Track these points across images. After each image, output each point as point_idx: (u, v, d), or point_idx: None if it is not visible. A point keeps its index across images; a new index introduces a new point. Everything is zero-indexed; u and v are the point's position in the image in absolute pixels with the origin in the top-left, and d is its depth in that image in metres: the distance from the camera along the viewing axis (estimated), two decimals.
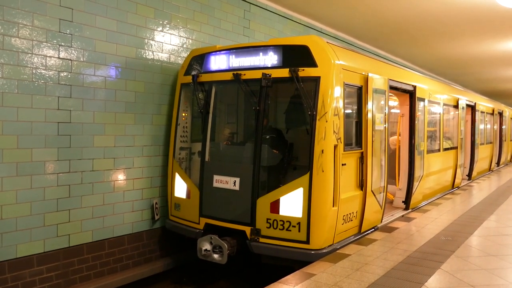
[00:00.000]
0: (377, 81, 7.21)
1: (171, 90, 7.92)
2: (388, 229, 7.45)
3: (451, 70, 20.96)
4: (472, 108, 14.48)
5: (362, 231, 6.92)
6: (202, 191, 6.94)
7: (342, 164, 6.19)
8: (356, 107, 6.90)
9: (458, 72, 21.52)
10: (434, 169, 10.49)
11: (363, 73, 6.91)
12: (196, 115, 7.65)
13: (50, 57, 6.08)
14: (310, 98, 6.08)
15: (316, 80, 6.06)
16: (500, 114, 20.02)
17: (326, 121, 5.97)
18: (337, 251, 6.11)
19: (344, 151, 6.25)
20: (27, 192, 5.88)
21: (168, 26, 7.85)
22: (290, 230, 6.06)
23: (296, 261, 5.94)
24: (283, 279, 5.05)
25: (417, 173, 9.06)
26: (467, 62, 18.37)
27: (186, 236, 7.22)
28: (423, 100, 9.56)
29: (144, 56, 7.43)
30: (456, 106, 12.67)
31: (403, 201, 9.03)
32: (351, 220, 6.61)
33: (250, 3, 9.80)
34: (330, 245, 6.13)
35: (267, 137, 6.85)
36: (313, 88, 6.09)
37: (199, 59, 7.38)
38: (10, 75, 5.65)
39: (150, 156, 7.58)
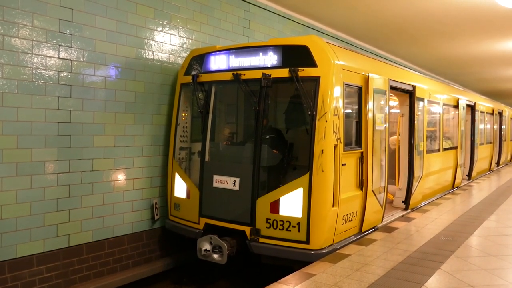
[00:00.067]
0: (378, 81, 7.21)
1: (171, 90, 7.92)
2: (388, 229, 7.45)
3: (451, 70, 20.96)
4: (471, 108, 14.48)
5: (362, 231, 6.93)
6: (202, 191, 6.94)
7: (342, 164, 6.20)
8: (356, 107, 6.90)
9: (458, 72, 21.53)
10: (434, 169, 10.49)
11: (363, 73, 6.92)
12: (196, 115, 7.64)
13: (50, 57, 6.08)
14: (310, 98, 6.08)
15: (316, 80, 6.06)
16: (500, 114, 20.02)
17: (326, 121, 5.97)
18: (337, 251, 6.11)
19: (344, 151, 6.25)
20: (27, 192, 5.88)
21: (168, 26, 7.85)
22: (290, 230, 6.06)
23: (296, 261, 5.94)
24: (283, 279, 5.05)
25: (417, 173, 9.07)
26: (467, 62, 18.37)
27: (186, 236, 7.22)
28: (422, 100, 9.56)
29: (144, 56, 7.43)
30: (456, 106, 12.68)
31: (403, 201, 9.03)
32: (351, 220, 6.61)
33: (250, 3, 9.80)
34: (330, 245, 6.13)
35: (267, 137, 6.85)
36: (313, 88, 6.09)
37: (199, 59, 7.38)
38: (10, 75, 5.65)
39: (150, 156, 7.59)
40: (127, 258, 7.19)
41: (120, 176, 7.10)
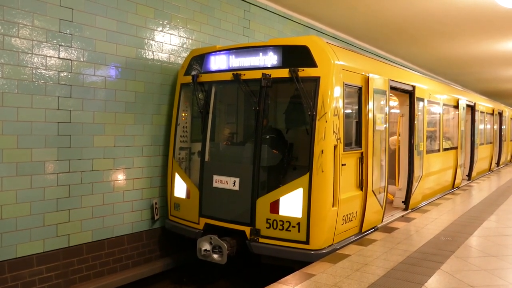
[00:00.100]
0: (378, 81, 7.21)
1: (171, 90, 7.92)
2: (388, 229, 7.45)
3: (451, 70, 20.97)
4: (471, 108, 14.48)
5: (363, 231, 6.93)
6: (202, 191, 6.94)
7: (342, 164, 6.20)
8: (356, 107, 6.90)
9: (458, 72, 21.53)
10: (434, 169, 10.49)
11: (363, 73, 6.92)
12: (196, 115, 7.64)
13: (50, 57, 6.08)
14: (310, 98, 6.08)
15: (316, 80, 6.06)
16: (500, 114, 20.02)
17: (326, 121, 5.97)
18: (337, 251, 6.11)
19: (344, 151, 6.25)
20: (27, 192, 5.88)
21: (168, 26, 7.85)
22: (289, 230, 6.06)
23: (296, 261, 5.94)
24: (282, 279, 5.05)
25: (417, 173, 9.07)
26: (467, 62, 18.37)
27: (185, 236, 7.22)
28: (422, 100, 9.56)
29: (144, 56, 7.43)
30: (456, 106, 12.68)
31: (402, 201, 9.03)
32: (351, 220, 6.61)
33: (250, 3, 9.80)
34: (330, 245, 6.13)
35: (267, 137, 6.85)
36: (313, 88, 6.09)
37: (199, 59, 7.38)
38: (10, 75, 5.65)
39: (150, 156, 7.58)
40: (127, 258, 7.19)
41: (120, 176, 7.10)
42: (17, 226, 5.79)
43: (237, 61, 6.85)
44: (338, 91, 6.16)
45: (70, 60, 6.33)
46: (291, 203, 6.07)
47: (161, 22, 7.71)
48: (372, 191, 7.01)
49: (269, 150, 6.68)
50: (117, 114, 7.00)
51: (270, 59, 6.48)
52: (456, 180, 12.46)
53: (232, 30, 9.34)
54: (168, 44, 7.88)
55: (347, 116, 6.55)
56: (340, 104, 6.20)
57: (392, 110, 9.44)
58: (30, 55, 5.85)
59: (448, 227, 7.63)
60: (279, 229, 6.13)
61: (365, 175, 6.81)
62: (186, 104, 7.78)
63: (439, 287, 4.88)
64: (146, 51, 7.47)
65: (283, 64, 6.34)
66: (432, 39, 14.21)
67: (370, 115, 6.96)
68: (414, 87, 9.00)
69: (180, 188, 7.36)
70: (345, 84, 6.37)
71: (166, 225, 7.61)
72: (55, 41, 6.12)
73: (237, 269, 7.88)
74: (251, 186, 6.39)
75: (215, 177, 6.78)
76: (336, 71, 6.13)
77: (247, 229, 6.38)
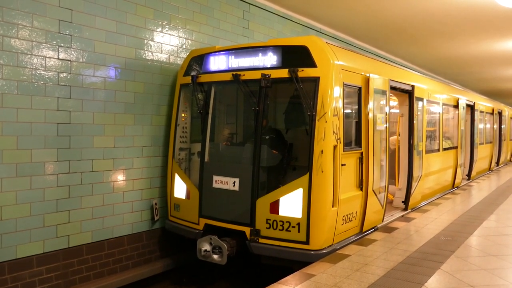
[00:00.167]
0: (378, 81, 7.21)
1: (170, 90, 7.92)
2: (388, 229, 7.45)
3: (450, 70, 20.97)
4: (471, 107, 14.48)
5: (363, 230, 6.93)
6: (202, 192, 6.94)
7: (342, 165, 6.20)
8: (355, 107, 6.91)
9: (458, 72, 21.54)
10: (434, 169, 10.49)
11: (363, 73, 6.92)
12: (195, 115, 7.64)
13: (49, 58, 6.08)
14: (309, 98, 6.08)
15: (315, 80, 6.06)
16: (500, 113, 20.02)
17: (326, 122, 5.97)
18: (337, 251, 6.11)
19: (343, 151, 6.25)
20: (27, 193, 5.88)
21: (167, 27, 7.85)
22: (289, 231, 6.06)
23: (296, 261, 5.94)
24: (282, 279, 5.05)
25: (416, 173, 9.07)
26: (467, 62, 18.38)
27: (185, 236, 7.22)
28: (421, 99, 9.56)
29: (143, 57, 7.43)
30: (455, 106, 12.68)
31: (402, 201, 9.03)
32: (351, 221, 6.61)
33: (249, 3, 9.80)
34: (330, 246, 6.13)
35: (267, 137, 6.85)
36: (313, 89, 6.09)
37: (198, 60, 7.38)
38: (9, 76, 5.65)
39: (150, 157, 7.59)
40: (127, 258, 7.19)
41: (120, 177, 7.10)
42: (17, 227, 5.79)
43: (236, 62, 6.85)
44: (337, 91, 6.16)
45: (70, 61, 6.33)
46: (291, 204, 6.07)
47: (160, 22, 7.71)
48: (373, 190, 7.02)
49: (269, 150, 6.68)
50: (117, 114, 7.00)
51: (270, 59, 6.48)
52: (456, 180, 12.46)
53: (232, 30, 9.34)
54: (167, 44, 7.88)
55: (346, 116, 6.55)
56: (340, 104, 6.20)
57: (392, 110, 9.44)
58: (29, 56, 5.85)
59: (448, 226, 7.63)
60: (279, 230, 6.13)
61: (365, 175, 6.81)
62: (185, 104, 7.78)
63: (439, 287, 4.88)
64: (146, 51, 7.47)
65: (282, 65, 6.34)
66: (432, 39, 14.21)
67: (371, 115, 6.96)
68: (413, 86, 9.00)
69: (180, 188, 7.36)
70: (345, 84, 6.37)
71: (166, 225, 7.61)
72: (54, 42, 6.12)
73: (237, 270, 7.88)
74: (251, 186, 6.39)
75: (215, 178, 6.78)
76: (336, 71, 6.13)
77: (247, 230, 6.38)
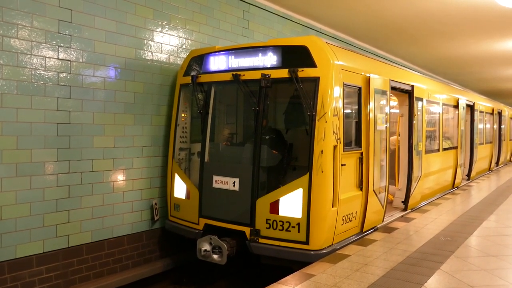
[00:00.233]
0: (378, 81, 7.21)
1: (170, 90, 7.92)
2: (387, 229, 7.45)
3: (450, 70, 20.97)
4: (471, 107, 14.48)
5: (364, 230, 6.93)
6: (202, 192, 6.94)
7: (342, 165, 6.20)
8: (356, 108, 6.90)
9: (458, 72, 21.54)
10: (433, 169, 10.49)
11: (363, 74, 6.92)
12: (195, 115, 7.64)
13: (49, 58, 6.08)
14: (309, 98, 6.08)
15: (315, 80, 6.06)
16: (500, 113, 20.02)
17: (326, 122, 5.97)
18: (337, 251, 6.11)
19: (343, 151, 6.25)
20: (27, 193, 5.88)
21: (167, 27, 7.85)
22: (289, 231, 6.06)
23: (296, 261, 5.94)
24: (282, 279, 5.05)
25: (415, 173, 9.07)
26: (467, 62, 18.38)
27: (185, 236, 7.22)
28: (421, 100, 9.56)
29: (143, 57, 7.43)
30: (455, 106, 12.68)
31: (402, 201, 9.03)
32: (351, 221, 6.61)
33: (249, 3, 9.80)
34: (330, 246, 6.13)
35: (267, 137, 6.85)
36: (313, 89, 6.09)
37: (198, 60, 7.38)
38: (9, 76, 5.65)
39: (150, 157, 7.58)
40: (127, 258, 7.19)
41: (120, 177, 7.10)
42: (17, 226, 5.79)
43: (236, 62, 6.85)
44: (337, 91, 6.16)
45: (69, 61, 6.33)
46: (291, 204, 6.07)
47: (160, 22, 7.71)
48: (374, 191, 7.02)
49: (269, 150, 6.68)
50: (117, 114, 7.00)
51: (270, 59, 6.48)
52: (456, 180, 12.46)
53: (231, 30, 9.34)
54: (167, 44, 7.88)
55: (346, 116, 6.55)
56: (340, 104, 6.20)
57: (392, 110, 9.44)
58: (29, 56, 5.85)
59: (448, 227, 7.63)
60: (279, 230, 6.13)
61: (366, 175, 6.81)
62: (185, 104, 7.78)
63: (439, 287, 4.88)
64: (146, 51, 7.47)
65: (282, 65, 6.34)
66: (432, 39, 14.21)
67: (371, 115, 6.96)
68: (413, 86, 9.00)
69: (180, 188, 7.36)
70: (345, 84, 6.37)
71: (166, 225, 7.61)
72: (54, 42, 6.12)
73: (237, 270, 7.88)
74: (251, 186, 6.39)
75: (215, 178, 6.78)
76: (336, 71, 6.13)
77: (247, 230, 6.38)
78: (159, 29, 7.70)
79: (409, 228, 7.57)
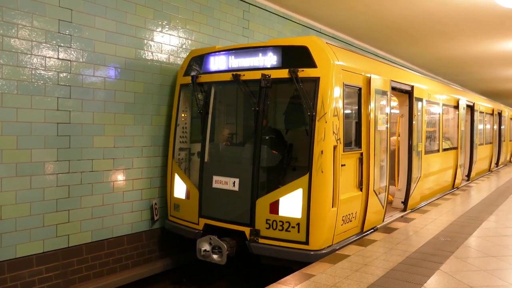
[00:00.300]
0: (379, 82, 7.21)
1: (170, 90, 7.92)
2: (387, 229, 7.45)
3: (450, 70, 20.97)
4: (471, 108, 14.48)
5: (364, 230, 6.93)
6: (202, 192, 6.94)
7: (342, 165, 6.20)
8: (356, 108, 6.90)
9: (458, 72, 21.54)
10: (433, 169, 10.49)
11: (363, 74, 6.92)
12: (195, 115, 7.64)
13: (49, 57, 6.08)
14: (309, 98, 6.08)
15: (315, 80, 6.06)
16: (500, 114, 20.02)
17: (326, 122, 5.97)
18: (337, 251, 6.12)
19: (343, 151, 6.26)
20: (27, 193, 5.88)
21: (167, 27, 7.85)
22: (289, 231, 6.06)
23: (295, 261, 5.94)
24: (282, 280, 5.05)
25: (415, 174, 9.07)
26: (467, 62, 18.38)
27: (185, 236, 7.22)
28: (421, 100, 9.56)
29: (143, 57, 7.43)
30: (455, 107, 12.67)
31: (402, 202, 9.03)
32: (351, 221, 6.61)
33: (249, 3, 9.80)
34: (330, 246, 6.13)
35: (267, 137, 6.84)
36: (313, 89, 6.09)
37: (198, 60, 7.38)
38: (9, 75, 5.65)
39: (150, 157, 7.59)
40: (127, 258, 7.19)
41: (120, 177, 7.10)
42: (17, 226, 5.79)
43: (236, 62, 6.85)
44: (338, 91, 6.16)
45: (70, 60, 6.33)
46: (290, 204, 6.07)
47: (160, 22, 7.71)
48: (374, 191, 7.02)
49: (269, 150, 6.68)
50: (117, 114, 7.00)
51: (270, 59, 6.48)
52: (456, 180, 12.46)
53: (232, 30, 9.34)
54: (167, 44, 7.88)
55: (346, 116, 6.55)
56: (340, 104, 6.20)
57: (392, 110, 9.44)
58: (29, 55, 5.85)
59: (448, 227, 7.63)
60: (279, 230, 6.13)
61: (366, 176, 6.82)
62: (185, 104, 7.78)
63: (439, 287, 4.88)
64: (146, 51, 7.47)
65: (282, 65, 6.34)
66: (432, 39, 14.21)
67: (371, 115, 6.96)
68: (412, 87, 8.99)
69: (179, 188, 7.36)
70: (345, 85, 6.37)
71: (165, 225, 7.61)
72: (54, 42, 6.12)
73: (237, 270, 7.88)
74: (251, 186, 6.39)
75: (215, 178, 6.78)
76: (336, 72, 6.13)
77: (246, 230, 6.38)
78: (159, 29, 7.70)
79: (409, 229, 7.57)
